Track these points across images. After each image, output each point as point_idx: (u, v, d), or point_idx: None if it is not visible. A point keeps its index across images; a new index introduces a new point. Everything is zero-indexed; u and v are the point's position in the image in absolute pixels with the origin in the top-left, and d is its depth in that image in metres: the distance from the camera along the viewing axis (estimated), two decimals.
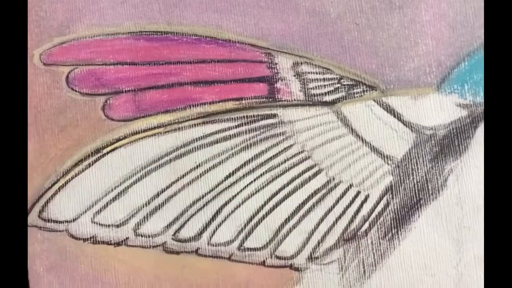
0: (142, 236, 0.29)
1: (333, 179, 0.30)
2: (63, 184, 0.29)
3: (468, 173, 0.29)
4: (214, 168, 0.30)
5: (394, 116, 0.30)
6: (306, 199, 0.29)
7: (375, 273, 0.29)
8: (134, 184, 0.30)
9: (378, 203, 0.29)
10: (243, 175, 0.30)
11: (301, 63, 0.30)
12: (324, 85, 0.30)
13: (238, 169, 0.30)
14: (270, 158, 0.30)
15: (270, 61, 0.30)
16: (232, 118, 0.30)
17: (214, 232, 0.29)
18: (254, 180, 0.30)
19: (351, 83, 0.30)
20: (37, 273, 0.29)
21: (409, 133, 0.30)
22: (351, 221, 0.29)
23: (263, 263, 0.29)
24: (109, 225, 0.29)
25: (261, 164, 0.30)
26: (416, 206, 0.29)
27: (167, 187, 0.29)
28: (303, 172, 0.30)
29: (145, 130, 0.30)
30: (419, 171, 0.30)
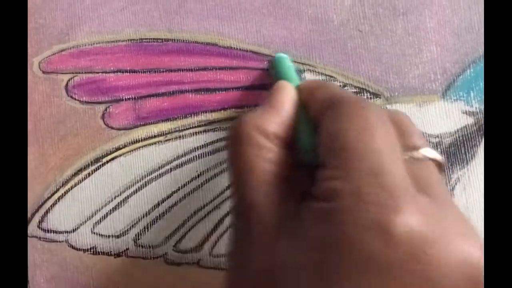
0: (142, 247, 0.29)
1: None
2: (62, 194, 0.29)
3: (476, 182, 0.29)
4: (215, 177, 0.29)
5: None
6: None
7: None
8: (134, 193, 0.29)
9: None
10: None
11: (304, 71, 0.30)
12: None
13: None
14: None
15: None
16: None
17: (216, 243, 0.29)
18: None
19: (355, 90, 0.30)
20: (38, 284, 0.29)
21: None
22: None
23: None
24: (109, 236, 0.29)
25: None
26: None
27: (168, 197, 0.29)
28: None
29: (145, 139, 0.30)
30: None
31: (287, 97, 0.25)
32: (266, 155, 0.22)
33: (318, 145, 0.21)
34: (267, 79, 0.30)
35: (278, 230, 0.20)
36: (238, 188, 0.22)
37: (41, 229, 0.29)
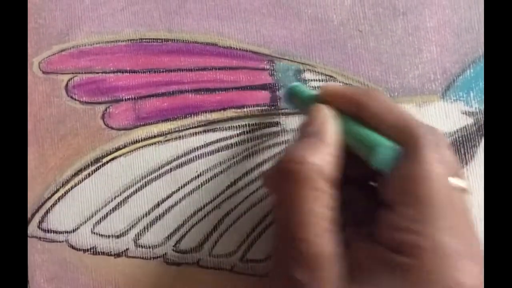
0: (142, 247, 0.29)
1: None
2: (62, 194, 0.29)
3: (475, 183, 0.29)
4: (215, 177, 0.29)
5: None
6: None
7: None
8: (134, 193, 0.29)
9: None
10: (245, 184, 0.29)
11: (304, 70, 0.30)
12: None
13: (240, 178, 0.29)
14: None
15: (272, 68, 0.30)
16: (233, 127, 0.30)
17: (215, 243, 0.29)
18: (257, 189, 0.29)
19: None
20: (38, 284, 0.29)
21: None
22: None
23: (266, 275, 0.29)
24: (109, 236, 0.29)
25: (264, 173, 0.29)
26: None
27: (168, 197, 0.29)
28: None
29: (145, 139, 0.30)
30: None
31: (332, 126, 0.23)
32: (325, 200, 0.21)
33: (388, 184, 0.21)
34: (267, 79, 0.30)
35: (347, 281, 0.20)
36: (296, 234, 0.20)
37: (41, 229, 0.29)
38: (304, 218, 0.20)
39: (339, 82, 0.30)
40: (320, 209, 0.20)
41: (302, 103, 0.27)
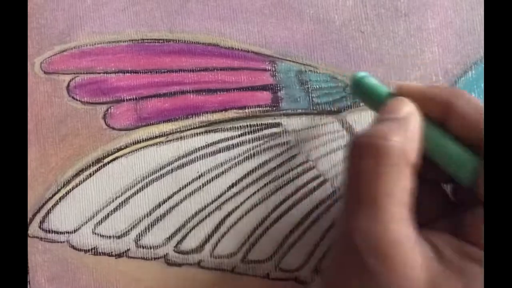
0: (143, 247, 0.29)
1: (339, 189, 0.29)
2: (64, 194, 0.29)
3: None
4: (216, 178, 0.29)
5: None
6: (311, 210, 0.29)
7: None
8: (135, 194, 0.29)
9: None
10: (247, 185, 0.29)
11: (306, 71, 0.30)
12: (329, 94, 0.30)
13: (241, 179, 0.29)
14: (274, 168, 0.29)
15: (273, 69, 0.30)
16: (235, 127, 0.30)
17: (217, 244, 0.29)
18: (258, 190, 0.29)
19: None
20: (39, 284, 0.29)
21: None
22: None
23: (267, 276, 0.29)
24: (110, 236, 0.29)
25: (265, 174, 0.29)
26: None
27: (169, 198, 0.29)
28: (308, 182, 0.29)
29: (146, 140, 0.30)
30: None
31: (416, 118, 0.21)
32: (406, 182, 0.19)
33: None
34: (268, 80, 0.30)
35: (426, 277, 0.18)
36: (373, 217, 0.18)
37: (42, 230, 0.29)
38: (381, 198, 0.18)
39: (341, 83, 0.30)
40: (399, 191, 0.18)
41: (371, 99, 0.25)
